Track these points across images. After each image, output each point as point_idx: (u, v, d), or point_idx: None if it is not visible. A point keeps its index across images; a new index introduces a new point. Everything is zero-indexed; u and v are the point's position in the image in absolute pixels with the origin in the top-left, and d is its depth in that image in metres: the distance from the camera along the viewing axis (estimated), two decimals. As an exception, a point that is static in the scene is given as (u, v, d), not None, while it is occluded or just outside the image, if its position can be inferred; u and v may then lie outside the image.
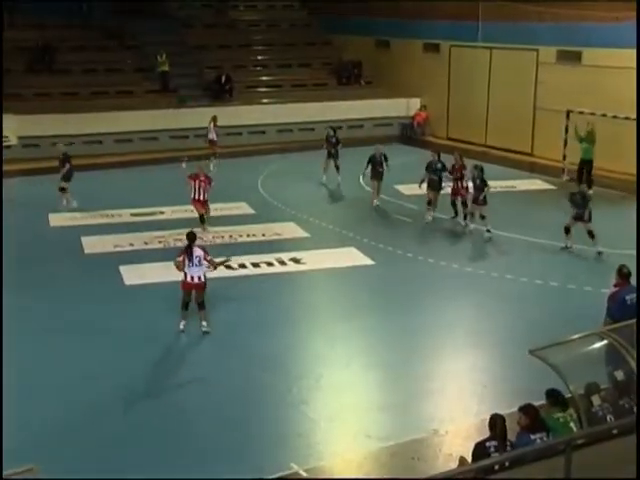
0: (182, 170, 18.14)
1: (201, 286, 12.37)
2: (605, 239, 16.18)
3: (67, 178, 19.85)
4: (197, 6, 33.57)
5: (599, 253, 16.01)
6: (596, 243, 16.08)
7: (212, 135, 24.74)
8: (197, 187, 17.36)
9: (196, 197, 17.48)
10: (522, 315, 13.29)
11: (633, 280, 11.09)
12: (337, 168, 22.44)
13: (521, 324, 12.76)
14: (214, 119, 24.81)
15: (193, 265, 12.19)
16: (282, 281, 15.07)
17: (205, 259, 12.30)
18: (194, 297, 12.45)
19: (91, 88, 28.11)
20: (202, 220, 17.54)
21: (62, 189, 19.88)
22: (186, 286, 12.39)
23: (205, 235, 16.94)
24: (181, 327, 12.47)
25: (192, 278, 12.26)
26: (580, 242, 16.88)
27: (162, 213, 19.42)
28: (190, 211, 18.25)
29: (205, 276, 12.39)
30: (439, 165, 18.64)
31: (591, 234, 16.09)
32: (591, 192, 17.44)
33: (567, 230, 16.49)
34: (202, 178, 17.38)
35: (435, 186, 18.62)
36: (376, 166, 19.72)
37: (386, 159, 19.75)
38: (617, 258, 15.20)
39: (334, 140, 22.58)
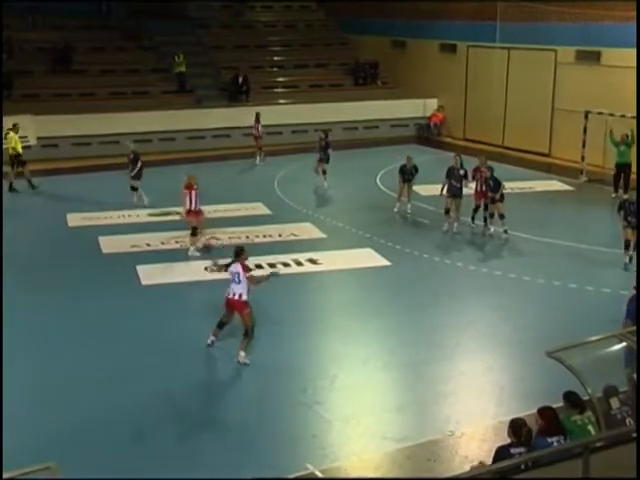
0: (192, 172, 17.89)
1: (239, 305, 11.44)
2: (619, 240, 15.98)
3: (138, 176, 19.96)
4: (214, 7, 33.66)
5: (630, 259, 15.29)
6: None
7: (257, 131, 25.51)
8: (192, 198, 16.39)
9: (191, 208, 16.42)
10: (540, 316, 13.20)
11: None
12: (323, 172, 22.06)
13: (539, 325, 12.68)
14: (257, 116, 25.43)
15: (232, 281, 11.47)
16: (298, 281, 15.05)
17: (245, 276, 11.38)
18: (239, 320, 11.62)
19: (109, 89, 28.30)
20: (194, 233, 16.56)
21: (133, 188, 20.08)
22: (225, 302, 11.60)
23: (197, 244, 16.56)
24: (209, 342, 11.86)
25: (228, 294, 11.51)
26: (598, 245, 16.79)
27: (179, 213, 19.42)
28: (209, 212, 18.21)
29: (242, 295, 11.40)
30: (461, 172, 17.84)
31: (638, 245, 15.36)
32: (626, 196, 16.73)
33: (627, 244, 15.38)
34: (195, 187, 16.46)
35: (456, 193, 17.80)
36: (405, 175, 19.53)
37: (416, 170, 19.42)
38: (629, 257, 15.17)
39: (324, 144, 22.39)
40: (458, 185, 17.86)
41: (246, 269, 11.54)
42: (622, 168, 21.16)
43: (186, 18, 32.48)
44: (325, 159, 22.19)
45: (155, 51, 30.87)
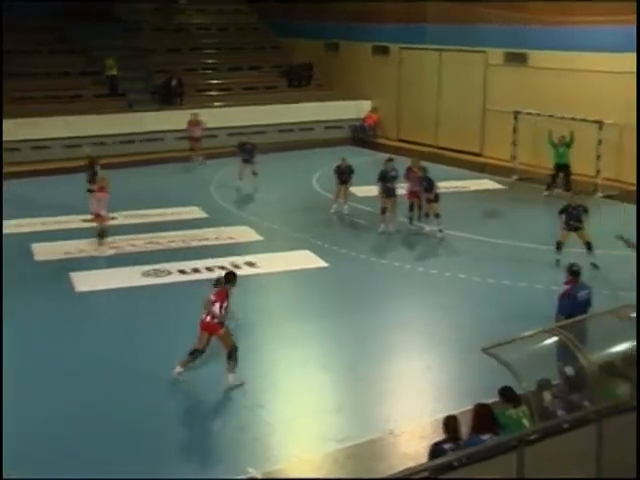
0: (126, 176, 17.82)
1: (212, 326, 10.80)
2: (551, 237, 16.34)
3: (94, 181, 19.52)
4: (146, 10, 33.27)
5: (594, 265, 14.95)
6: (593, 254, 15.23)
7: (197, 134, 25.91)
8: (105, 200, 16.71)
9: (99, 211, 16.86)
10: (475, 314, 13.44)
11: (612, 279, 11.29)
12: (254, 174, 22.20)
13: (474, 322, 12.91)
14: (196, 117, 25.72)
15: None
16: (237, 285, 14.97)
17: (215, 304, 10.74)
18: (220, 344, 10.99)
19: (38, 92, 27.67)
20: (104, 235, 16.84)
21: (90, 191, 19.62)
22: (200, 324, 10.90)
23: (104, 250, 16.65)
24: (175, 372, 10.84)
25: (202, 315, 10.89)
26: (530, 242, 17.18)
27: (114, 219, 19.13)
28: (144, 216, 18.04)
29: (215, 318, 10.75)
30: (393, 173, 18.25)
31: (589, 245, 15.36)
32: (577, 199, 16.38)
33: (560, 246, 15.51)
34: (107, 191, 16.82)
35: (390, 194, 18.11)
36: (342, 176, 19.71)
37: (352, 171, 19.67)
38: (560, 256, 15.56)
39: (250, 147, 22.60)
40: (391, 186, 18.23)
41: (221, 299, 10.80)
42: (562, 168, 21.69)
43: (117, 21, 32.02)
44: (252, 162, 22.29)
45: (85, 54, 30.32)
